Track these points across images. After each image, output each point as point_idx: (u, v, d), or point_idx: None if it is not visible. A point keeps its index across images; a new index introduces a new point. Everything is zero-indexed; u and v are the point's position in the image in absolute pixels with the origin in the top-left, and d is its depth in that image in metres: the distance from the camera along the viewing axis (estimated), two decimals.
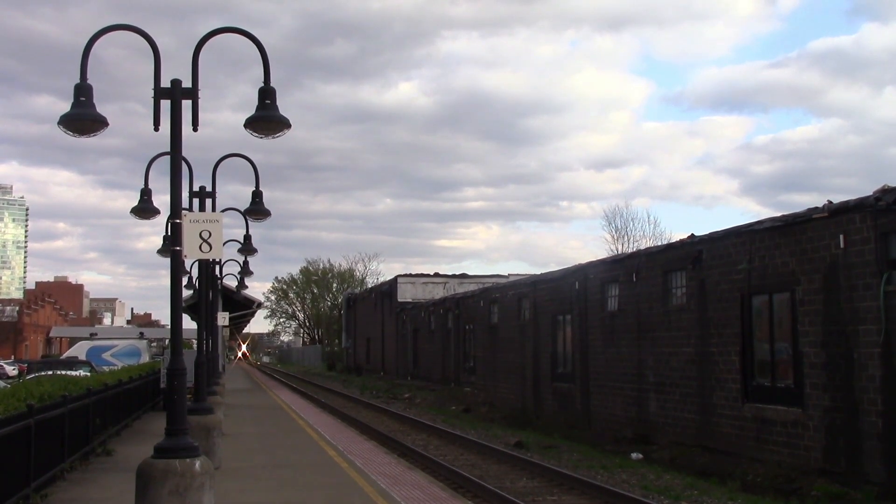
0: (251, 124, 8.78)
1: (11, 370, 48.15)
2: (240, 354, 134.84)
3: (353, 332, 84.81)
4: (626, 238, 62.86)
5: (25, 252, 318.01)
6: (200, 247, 9.40)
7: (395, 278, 65.34)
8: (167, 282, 8.50)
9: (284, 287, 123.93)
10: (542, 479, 16.93)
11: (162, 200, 12.39)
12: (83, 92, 8.32)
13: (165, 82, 8.48)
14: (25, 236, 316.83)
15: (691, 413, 21.21)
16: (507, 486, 16.02)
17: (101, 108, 8.41)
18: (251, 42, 8.94)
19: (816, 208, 17.14)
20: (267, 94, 8.76)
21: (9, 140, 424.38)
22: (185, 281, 20.90)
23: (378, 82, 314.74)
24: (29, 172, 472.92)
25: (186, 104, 8.46)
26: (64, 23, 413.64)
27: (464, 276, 64.18)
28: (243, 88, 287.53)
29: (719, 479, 17.07)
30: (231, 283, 30.73)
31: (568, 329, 29.23)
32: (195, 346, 20.09)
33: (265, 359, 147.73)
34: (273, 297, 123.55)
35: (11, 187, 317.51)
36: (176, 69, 8.53)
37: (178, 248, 8.42)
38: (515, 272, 58.06)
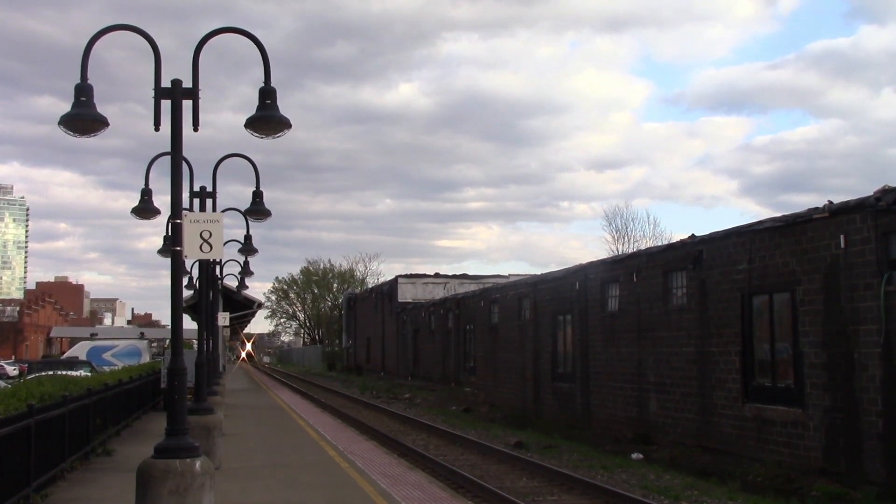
0: (252, 124, 8.78)
1: (12, 370, 48.11)
2: (243, 355, 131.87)
3: (353, 332, 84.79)
4: (626, 238, 62.92)
5: (26, 252, 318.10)
6: (201, 247, 9.40)
7: (396, 278, 65.32)
8: (168, 282, 8.51)
9: (285, 287, 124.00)
10: (543, 479, 16.93)
11: (162, 201, 12.42)
12: (84, 92, 8.32)
13: (166, 82, 8.48)
14: (26, 236, 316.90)
15: (692, 413, 21.21)
16: (508, 486, 16.02)
17: (102, 109, 8.41)
18: (252, 43, 8.94)
19: (817, 208, 17.13)
20: (267, 94, 8.75)
21: (10, 140, 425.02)
22: (185, 281, 20.90)
23: (378, 83, 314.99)
24: (30, 173, 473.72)
25: (187, 104, 8.46)
26: (65, 24, 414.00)
27: (464, 276, 64.16)
28: (244, 90, 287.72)
29: (719, 479, 17.07)
30: (231, 283, 30.73)
31: (568, 329, 29.23)
32: (196, 346, 20.10)
33: (266, 359, 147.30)
34: (273, 298, 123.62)
35: (12, 187, 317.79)
36: (177, 70, 8.54)
37: (178, 248, 8.43)
38: (516, 272, 58.08)
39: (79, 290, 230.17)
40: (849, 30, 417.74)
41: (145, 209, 13.18)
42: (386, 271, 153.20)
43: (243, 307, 49.56)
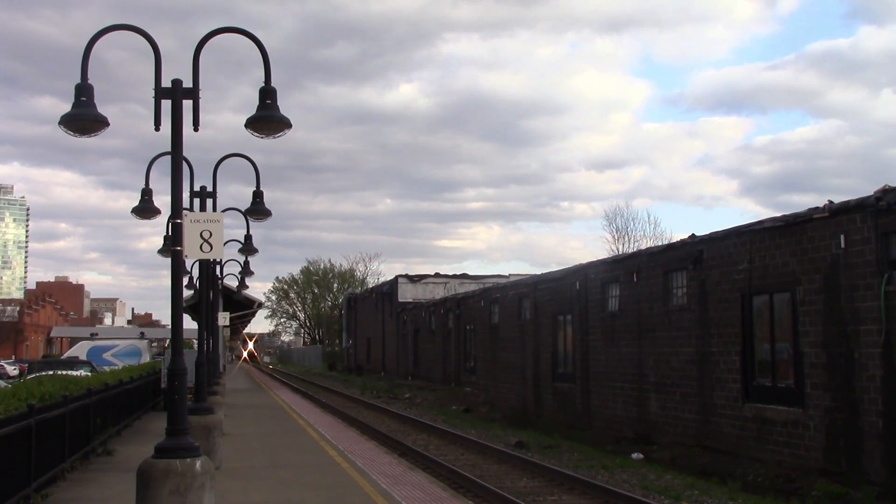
0: (252, 124, 8.78)
1: (12, 370, 48.17)
2: (245, 355, 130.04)
3: (353, 332, 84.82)
4: (626, 238, 62.96)
5: (26, 252, 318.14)
6: (201, 247, 9.41)
7: (396, 278, 65.32)
8: (168, 282, 8.51)
9: (285, 287, 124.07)
10: (543, 479, 16.93)
11: (163, 201, 12.43)
12: (84, 92, 8.32)
13: (166, 82, 8.48)
14: (26, 236, 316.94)
15: (692, 413, 21.21)
16: (508, 485, 16.03)
17: (103, 109, 8.40)
18: (252, 43, 8.94)
19: (817, 208, 17.14)
20: (268, 94, 8.75)
21: (10, 141, 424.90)
22: (185, 281, 20.92)
23: (379, 84, 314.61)
24: (31, 173, 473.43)
25: (187, 104, 8.46)
26: (66, 25, 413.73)
27: (464, 276, 64.17)
28: (244, 90, 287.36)
29: (720, 479, 17.07)
30: (232, 282, 30.73)
31: (568, 329, 29.24)
32: (196, 346, 20.11)
33: (266, 359, 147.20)
34: (274, 297, 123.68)
35: (12, 187, 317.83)
36: (177, 70, 8.54)
37: (178, 248, 8.43)
38: (516, 272, 58.06)
39: (79, 290, 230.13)
40: (848, 31, 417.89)
41: (145, 209, 13.19)
42: (386, 271, 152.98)
43: (243, 307, 49.60)
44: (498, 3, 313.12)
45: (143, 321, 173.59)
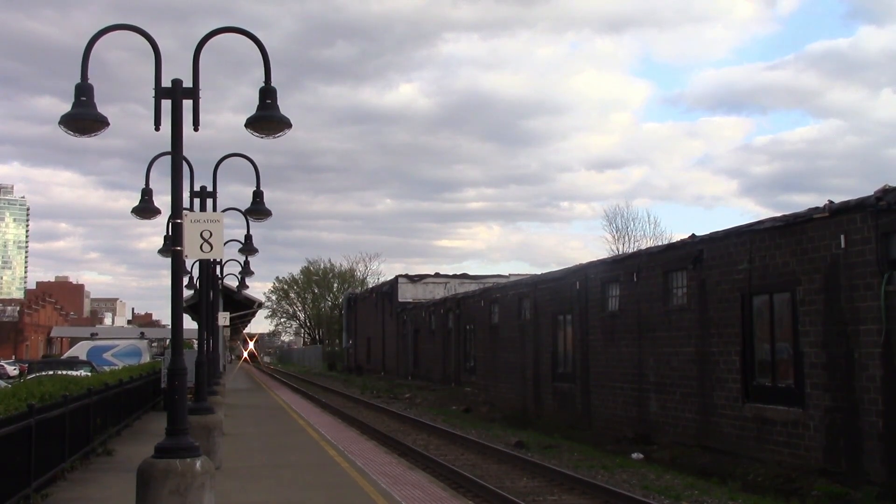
0: (252, 124, 8.78)
1: (12, 370, 48.16)
2: (245, 355, 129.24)
3: (353, 332, 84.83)
4: (626, 238, 62.97)
5: (26, 252, 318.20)
6: (201, 247, 9.40)
7: (396, 278, 65.34)
8: (168, 282, 8.51)
9: (285, 287, 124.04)
10: (543, 479, 16.93)
11: (163, 201, 12.43)
12: (84, 92, 8.32)
13: (166, 82, 8.48)
14: (26, 236, 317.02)
15: (692, 413, 21.22)
16: (508, 485, 16.03)
17: (103, 109, 8.40)
18: (252, 43, 8.94)
19: (817, 208, 17.14)
20: (268, 94, 8.75)
21: (10, 140, 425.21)
22: (185, 281, 20.92)
23: (379, 84, 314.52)
24: (31, 173, 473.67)
25: (187, 104, 8.46)
26: (66, 25, 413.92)
27: (464, 276, 64.20)
28: (244, 90, 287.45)
29: (720, 479, 17.07)
30: (232, 282, 30.71)
31: (568, 329, 29.24)
32: (196, 346, 20.11)
33: (266, 359, 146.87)
34: (274, 297, 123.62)
35: (12, 187, 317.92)
36: (177, 71, 8.54)
37: (178, 248, 8.43)
38: (516, 272, 58.08)
39: (79, 290, 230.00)
40: (848, 31, 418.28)
41: (146, 209, 13.19)
42: (386, 271, 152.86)
43: (244, 307, 49.58)
44: (498, 3, 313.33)
45: (143, 321, 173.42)
